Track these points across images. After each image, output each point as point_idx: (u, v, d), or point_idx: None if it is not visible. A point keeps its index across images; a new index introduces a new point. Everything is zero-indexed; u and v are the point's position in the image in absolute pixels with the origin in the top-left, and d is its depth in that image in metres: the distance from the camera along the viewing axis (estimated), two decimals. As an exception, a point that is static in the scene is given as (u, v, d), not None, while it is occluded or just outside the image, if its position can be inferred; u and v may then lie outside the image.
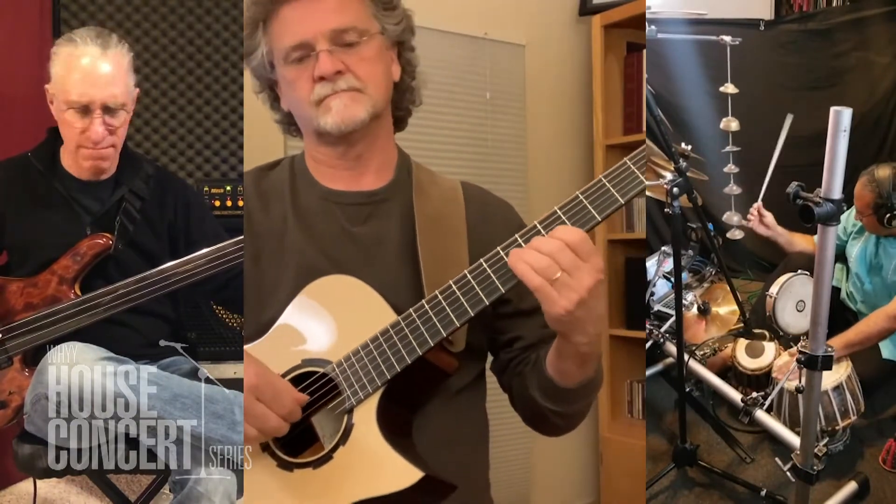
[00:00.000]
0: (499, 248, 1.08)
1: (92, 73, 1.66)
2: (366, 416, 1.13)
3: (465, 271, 1.09)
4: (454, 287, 1.10)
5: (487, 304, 1.08)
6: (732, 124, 2.32)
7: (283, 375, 1.16)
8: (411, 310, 1.12)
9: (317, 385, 1.15)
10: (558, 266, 0.99)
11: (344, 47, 1.20)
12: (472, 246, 1.24)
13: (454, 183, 1.34)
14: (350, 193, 1.28)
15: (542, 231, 1.06)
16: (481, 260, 1.09)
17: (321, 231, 1.25)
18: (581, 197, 1.06)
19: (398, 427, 1.15)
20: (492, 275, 1.08)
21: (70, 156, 1.75)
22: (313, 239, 1.24)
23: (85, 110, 1.67)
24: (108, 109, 1.68)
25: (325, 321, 1.18)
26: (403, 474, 1.08)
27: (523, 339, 1.27)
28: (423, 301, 1.12)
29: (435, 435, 1.19)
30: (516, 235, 1.07)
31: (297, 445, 1.16)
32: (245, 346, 1.20)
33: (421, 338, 1.11)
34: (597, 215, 1.05)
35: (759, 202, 2.42)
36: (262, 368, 1.13)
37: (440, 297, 1.11)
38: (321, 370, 1.16)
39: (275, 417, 1.10)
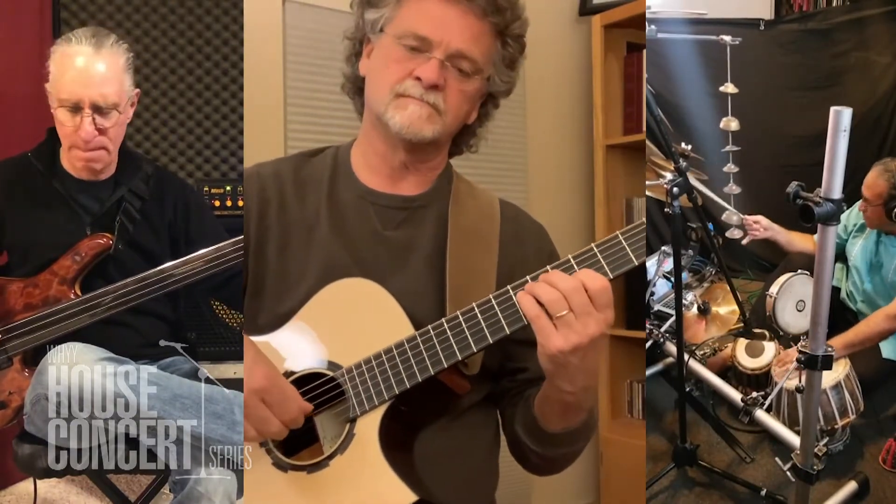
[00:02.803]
0: (528, 277, 1.05)
1: (84, 72, 1.65)
2: (368, 429, 1.11)
3: (491, 296, 1.07)
4: (477, 311, 1.07)
5: (508, 333, 1.06)
6: (732, 124, 2.32)
7: (292, 373, 1.16)
8: (429, 327, 1.10)
9: (324, 388, 1.14)
10: (567, 305, 0.97)
11: (455, 70, 1.19)
12: (501, 264, 1.22)
13: (492, 198, 1.33)
14: (388, 196, 1.27)
15: (574, 266, 1.04)
16: (508, 287, 1.06)
17: (353, 230, 1.24)
18: (620, 237, 1.04)
19: (399, 444, 1.13)
20: (517, 304, 1.05)
21: (65, 155, 1.75)
22: (343, 237, 1.23)
23: (75, 109, 1.66)
24: (98, 109, 1.66)
25: (341, 324, 1.16)
26: (397, 495, 1.06)
27: (527, 372, 1.25)
28: (443, 320, 1.09)
29: (440, 450, 1.18)
30: (548, 266, 1.04)
31: (296, 443, 1.15)
32: (257, 338, 1.18)
33: (435, 357, 1.09)
34: (634, 259, 1.03)
35: (743, 216, 2.43)
36: (273, 371, 1.12)
37: (461, 318, 1.08)
38: (330, 373, 1.14)
39: (277, 423, 1.09)
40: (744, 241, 2.51)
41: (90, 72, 1.66)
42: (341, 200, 1.26)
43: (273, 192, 1.26)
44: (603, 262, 1.03)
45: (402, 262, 1.22)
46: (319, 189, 1.27)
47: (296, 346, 1.17)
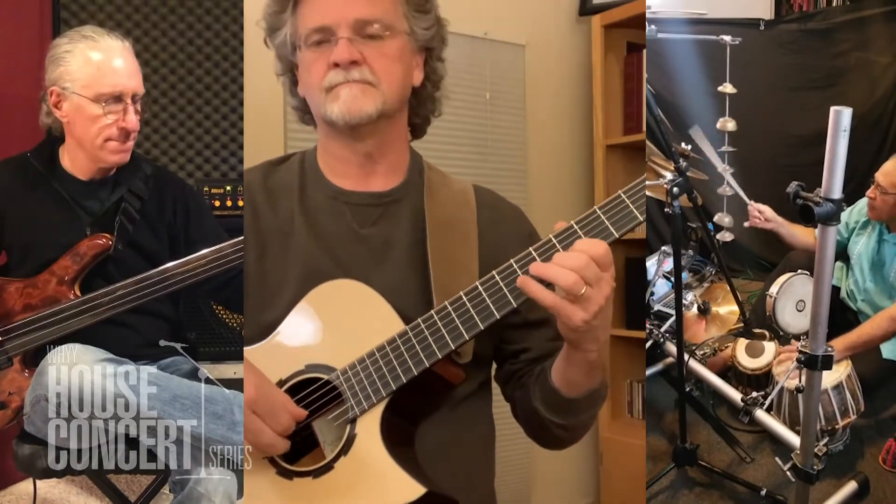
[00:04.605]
0: (512, 261, 1.06)
1: (119, 64, 1.69)
2: (369, 427, 1.11)
3: (477, 283, 1.08)
4: (465, 299, 1.08)
5: (498, 317, 1.07)
6: (729, 124, 2.32)
7: (286, 381, 1.15)
8: (419, 320, 1.10)
9: (320, 392, 1.14)
10: (584, 282, 0.98)
11: (365, 39, 1.18)
12: (482, 251, 1.22)
13: (466, 186, 1.32)
14: (360, 194, 1.26)
15: (557, 245, 1.04)
16: (494, 272, 1.07)
17: (329, 231, 1.23)
18: (599, 212, 1.05)
19: (401, 439, 1.13)
20: (504, 288, 1.06)
21: (86, 153, 1.73)
22: (320, 239, 1.22)
23: (117, 101, 1.68)
24: (135, 99, 1.70)
25: (331, 326, 1.16)
26: (406, 489, 1.07)
27: (530, 352, 1.25)
28: (433, 311, 1.10)
29: (438, 443, 1.18)
30: (530, 249, 1.05)
31: (296, 451, 1.14)
32: (246, 349, 1.18)
33: (429, 349, 1.09)
34: (614, 231, 1.04)
35: (751, 202, 2.42)
36: (262, 380, 1.12)
37: (450, 307, 1.09)
38: (325, 377, 1.14)
39: (269, 433, 1.08)
40: (745, 224, 2.49)
41: (124, 63, 1.70)
42: (314, 204, 1.25)
43: (245, 205, 1.26)
44: (608, 224, 1.04)
45: (382, 258, 1.22)
46: (291, 195, 1.26)
47: (287, 354, 1.16)
